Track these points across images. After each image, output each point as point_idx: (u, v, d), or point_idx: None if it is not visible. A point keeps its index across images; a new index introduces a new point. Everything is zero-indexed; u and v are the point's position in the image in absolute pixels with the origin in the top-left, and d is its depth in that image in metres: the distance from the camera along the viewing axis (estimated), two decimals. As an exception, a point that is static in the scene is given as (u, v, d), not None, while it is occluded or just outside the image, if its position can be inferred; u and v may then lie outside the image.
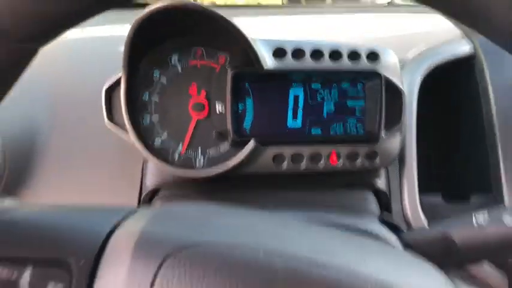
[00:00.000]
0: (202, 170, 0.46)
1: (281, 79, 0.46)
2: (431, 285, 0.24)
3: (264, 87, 0.46)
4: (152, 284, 0.22)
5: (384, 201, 0.48)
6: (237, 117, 0.46)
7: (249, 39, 0.44)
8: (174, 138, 0.47)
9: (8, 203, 0.27)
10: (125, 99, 0.44)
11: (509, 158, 0.48)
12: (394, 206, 0.48)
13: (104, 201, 0.47)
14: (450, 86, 0.58)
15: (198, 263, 0.22)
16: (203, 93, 0.47)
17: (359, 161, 0.46)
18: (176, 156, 0.47)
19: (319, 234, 0.27)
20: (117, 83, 0.45)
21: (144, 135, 0.46)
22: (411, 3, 0.67)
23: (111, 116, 0.45)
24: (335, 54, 0.46)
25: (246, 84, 0.46)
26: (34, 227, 0.24)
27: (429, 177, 0.51)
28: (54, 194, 0.47)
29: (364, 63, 0.46)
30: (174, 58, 0.47)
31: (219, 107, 0.47)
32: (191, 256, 0.22)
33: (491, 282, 0.43)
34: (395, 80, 0.46)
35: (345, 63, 0.46)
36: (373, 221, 0.38)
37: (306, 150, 0.46)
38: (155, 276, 0.22)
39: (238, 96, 0.46)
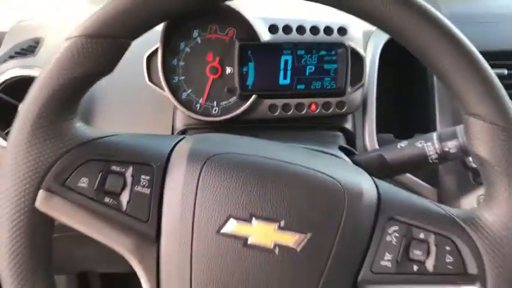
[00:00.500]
0: (217, 116, 0.63)
1: (274, 48, 0.62)
2: (355, 176, 0.42)
3: (262, 54, 0.62)
4: (199, 174, 0.40)
5: (350, 139, 0.66)
6: (242, 77, 0.62)
7: (250, 19, 0.60)
8: (196, 93, 0.64)
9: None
10: (161, 64, 0.61)
11: (443, 110, 0.65)
12: (358, 142, 0.66)
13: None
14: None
15: (224, 163, 0.40)
16: (217, 59, 0.63)
17: (331, 109, 0.63)
18: (198, 106, 0.64)
19: (294, 150, 0.45)
20: (154, 52, 0.62)
21: (174, 91, 0.63)
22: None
23: (150, 77, 0.62)
24: (314, 30, 0.62)
25: (249, 52, 0.62)
26: (132, 144, 0.41)
27: (386, 121, 0.69)
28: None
29: (335, 36, 0.62)
30: (195, 33, 0.63)
31: (229, 70, 0.63)
32: (222, 159, 0.40)
33: (419, 190, 0.62)
34: (359, 48, 0.62)
35: (321, 36, 0.62)
36: (334, 147, 0.56)
37: (293, 101, 0.63)
38: (200, 170, 0.40)
39: (243, 61, 0.62)
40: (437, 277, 0.39)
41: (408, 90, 0.74)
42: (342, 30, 0.62)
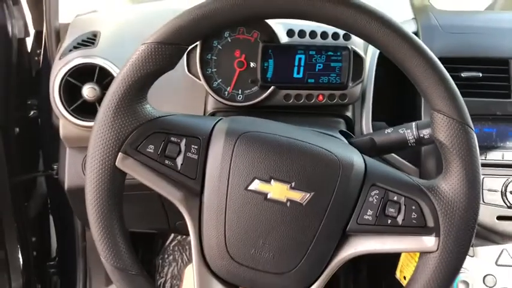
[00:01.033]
0: (241, 102, 0.77)
1: (291, 49, 0.76)
2: (349, 153, 0.56)
3: (280, 53, 0.76)
4: (234, 146, 0.54)
5: (350, 125, 0.80)
6: (264, 71, 0.76)
7: (272, 24, 0.74)
8: (224, 83, 0.78)
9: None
10: (199, 58, 0.75)
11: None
12: (356, 128, 0.80)
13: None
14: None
15: (252, 139, 0.54)
16: (243, 56, 0.77)
17: (335, 100, 0.77)
18: (226, 93, 0.78)
19: (304, 131, 0.59)
20: (193, 48, 0.75)
21: (207, 80, 0.77)
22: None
23: (189, 68, 0.76)
24: (324, 35, 0.75)
25: (269, 51, 0.76)
26: (185, 121, 0.56)
27: (382, 111, 0.82)
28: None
29: (341, 41, 0.76)
30: (226, 33, 0.77)
31: (252, 64, 0.77)
32: (250, 136, 0.54)
33: (403, 168, 0.76)
34: (360, 51, 0.76)
35: (329, 40, 0.76)
36: (335, 131, 0.70)
37: (304, 92, 0.77)
38: (235, 143, 0.54)
39: (264, 58, 0.76)
40: (404, 228, 0.53)
41: (401, 87, 0.88)
42: (347, 36, 0.76)
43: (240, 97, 0.78)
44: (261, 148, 0.54)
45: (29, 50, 1.06)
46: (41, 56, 1.03)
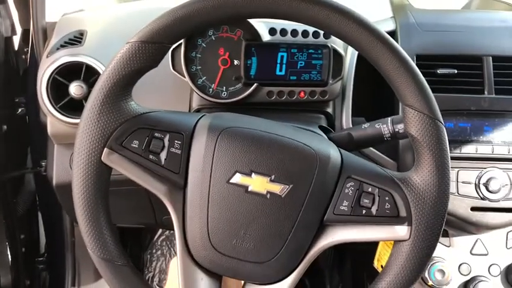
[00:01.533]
0: (225, 99, 0.79)
1: (273, 47, 0.78)
2: (326, 147, 0.59)
3: (263, 51, 0.78)
4: (216, 141, 0.56)
5: (331, 120, 0.82)
6: (247, 68, 0.78)
7: (254, 23, 0.76)
8: (209, 80, 0.80)
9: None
10: (184, 56, 0.77)
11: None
12: (337, 123, 0.82)
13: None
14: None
15: (234, 134, 0.57)
16: (227, 53, 0.79)
17: (316, 96, 0.79)
18: (210, 90, 0.80)
19: (284, 126, 0.62)
20: (178, 46, 0.77)
21: (192, 77, 0.79)
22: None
23: (174, 66, 0.78)
24: (305, 33, 0.78)
25: (252, 49, 0.78)
26: (168, 117, 0.58)
27: (363, 107, 0.85)
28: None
29: (321, 39, 0.78)
30: (210, 32, 0.79)
31: (236, 62, 0.79)
32: (232, 131, 0.57)
33: (382, 161, 0.79)
34: (339, 49, 0.78)
35: (310, 38, 0.78)
36: (315, 126, 0.72)
37: (286, 89, 0.79)
38: (217, 139, 0.57)
39: (247, 56, 0.78)
40: (378, 218, 0.56)
41: (380, 84, 0.90)
42: (327, 35, 0.78)
43: (224, 94, 0.80)
44: (242, 143, 0.56)
45: (16, 48, 1.07)
46: (28, 55, 1.04)
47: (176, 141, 0.57)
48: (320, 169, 0.56)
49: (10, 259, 1.05)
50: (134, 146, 0.56)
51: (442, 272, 0.79)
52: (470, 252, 0.82)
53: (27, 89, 1.04)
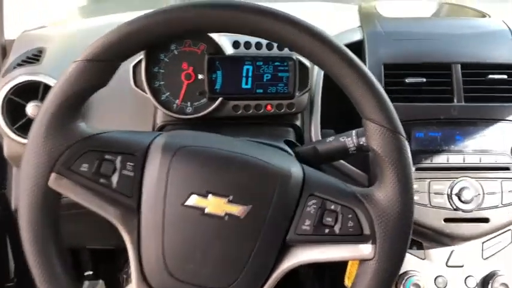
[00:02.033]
0: (190, 115, 0.77)
1: (238, 60, 0.76)
2: (287, 163, 0.56)
3: (228, 64, 0.76)
4: (170, 162, 0.54)
5: (299, 133, 0.80)
6: (212, 83, 0.76)
7: (216, 37, 0.74)
8: (173, 95, 0.77)
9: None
10: (145, 72, 0.74)
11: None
12: (306, 136, 0.81)
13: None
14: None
15: (189, 153, 0.54)
16: (191, 68, 0.77)
17: (284, 109, 0.78)
18: (175, 106, 0.78)
19: (244, 143, 0.59)
20: (139, 62, 0.75)
21: (155, 93, 0.77)
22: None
23: (136, 82, 0.76)
24: (269, 45, 0.76)
25: (217, 63, 0.76)
26: (120, 138, 0.55)
27: (329, 120, 0.83)
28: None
29: (286, 51, 0.76)
30: (173, 46, 0.77)
31: (200, 76, 0.77)
32: (187, 150, 0.54)
33: (353, 174, 0.77)
34: (305, 61, 0.76)
35: (275, 51, 0.76)
36: (280, 140, 0.70)
37: (253, 103, 0.77)
38: (171, 159, 0.54)
39: (212, 69, 0.76)
40: (342, 237, 0.54)
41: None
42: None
43: (189, 109, 0.78)
44: (198, 162, 0.54)
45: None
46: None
47: (128, 163, 0.54)
48: (281, 187, 0.54)
49: (-22, 285, 1.00)
50: (83, 169, 0.53)
51: (418, 285, 0.77)
52: (446, 264, 0.80)
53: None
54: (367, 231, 0.53)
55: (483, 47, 0.81)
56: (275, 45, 0.77)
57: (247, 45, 0.77)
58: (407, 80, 0.79)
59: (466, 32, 0.83)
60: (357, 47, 0.83)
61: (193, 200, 0.53)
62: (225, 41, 0.76)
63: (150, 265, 0.54)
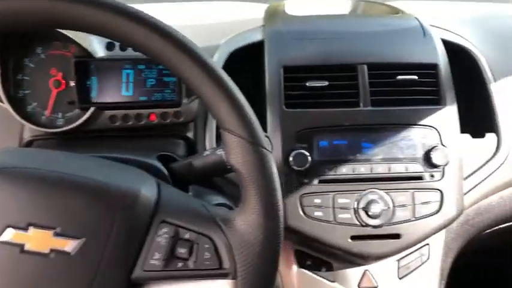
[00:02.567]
0: (60, 127, 0.67)
1: (116, 63, 0.67)
2: (137, 183, 0.47)
3: (104, 69, 0.67)
4: None
5: (193, 145, 0.71)
6: (85, 90, 0.66)
7: (85, 37, 0.64)
8: (41, 106, 0.67)
9: None
10: (1, 79, 0.64)
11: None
12: (200, 148, 0.71)
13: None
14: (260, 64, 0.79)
15: (11, 177, 0.44)
16: (60, 74, 0.67)
17: (170, 119, 0.68)
18: (43, 118, 0.67)
19: (88, 162, 0.50)
20: (-3, 69, 0.65)
21: (20, 105, 0.66)
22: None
23: (-7, 91, 0.65)
24: (149, 46, 0.67)
25: (92, 67, 0.67)
26: None
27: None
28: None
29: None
30: (39, 49, 0.67)
31: (72, 83, 0.67)
32: (7, 173, 0.44)
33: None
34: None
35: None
36: (152, 156, 0.61)
37: (132, 112, 0.68)
38: None
39: (86, 75, 0.66)
40: (197, 272, 0.44)
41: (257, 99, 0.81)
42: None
43: (60, 121, 0.68)
44: (18, 187, 0.44)
45: None
46: None
47: None
48: (123, 214, 0.44)
49: None
50: None
51: (326, 312, 0.69)
52: (358, 286, 0.72)
53: None
54: (226, 264, 0.44)
55: (393, 45, 0.74)
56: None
57: (122, 46, 0.67)
58: (308, 84, 0.71)
59: (374, 30, 0.76)
60: (258, 49, 0.75)
61: (10, 235, 0.43)
62: (96, 41, 0.66)
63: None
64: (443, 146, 0.70)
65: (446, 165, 0.70)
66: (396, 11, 0.85)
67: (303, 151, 0.68)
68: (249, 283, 0.44)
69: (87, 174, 0.46)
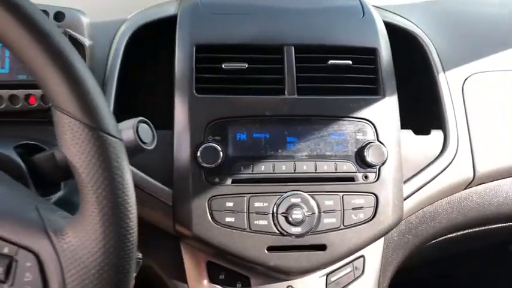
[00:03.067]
0: None
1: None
2: None
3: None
4: None
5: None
6: None
7: None
8: None
9: None
10: None
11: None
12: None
13: None
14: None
15: None
16: None
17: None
18: None
19: None
20: None
21: None
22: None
23: None
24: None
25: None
26: None
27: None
28: None
29: (51, 21, 0.55)
30: None
31: None
32: None
33: (156, 190, 0.58)
34: (78, 35, 0.56)
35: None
36: (7, 146, 0.49)
37: (5, 93, 0.56)
38: None
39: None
40: None
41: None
42: (60, 15, 0.56)
43: None
44: None
45: None
46: None
47: None
48: None
49: None
50: None
51: (237, 337, 0.58)
52: (281, 305, 0.62)
53: None
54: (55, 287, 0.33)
55: (325, 25, 0.64)
56: (51, 13, 0.56)
57: None
58: (224, 66, 0.60)
59: (305, 7, 0.66)
60: (173, 24, 0.64)
61: None
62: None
63: None
64: (380, 142, 0.60)
65: (382, 165, 0.60)
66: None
67: (213, 144, 0.57)
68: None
69: None
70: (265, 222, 0.58)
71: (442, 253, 0.80)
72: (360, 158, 0.60)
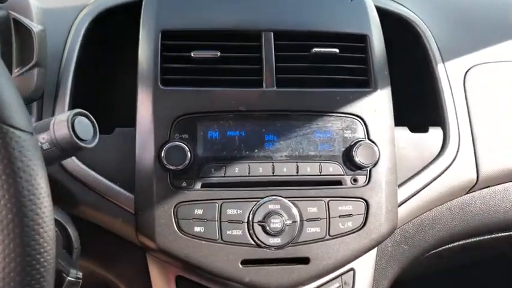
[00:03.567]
0: None
1: None
2: None
3: None
4: None
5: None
6: None
7: None
8: None
9: None
10: None
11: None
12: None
13: None
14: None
15: None
16: None
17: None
18: None
19: None
20: None
21: None
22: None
23: None
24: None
25: None
26: None
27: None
28: None
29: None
30: None
31: None
32: None
33: (118, 197, 0.51)
34: (25, 19, 0.49)
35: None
36: None
37: None
38: None
39: None
40: None
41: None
42: (2, -3, 0.49)
43: None
44: None
45: None
46: None
47: None
48: None
49: None
50: None
51: None
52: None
53: None
54: None
55: (309, 9, 0.57)
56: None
57: None
58: (193, 54, 0.53)
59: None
60: (137, 10, 0.57)
61: None
62: None
63: None
64: (371, 141, 0.54)
65: (374, 166, 0.53)
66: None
67: (180, 143, 0.50)
68: None
69: None
70: (239, 232, 0.51)
71: (442, 265, 0.73)
72: (348, 159, 0.53)
